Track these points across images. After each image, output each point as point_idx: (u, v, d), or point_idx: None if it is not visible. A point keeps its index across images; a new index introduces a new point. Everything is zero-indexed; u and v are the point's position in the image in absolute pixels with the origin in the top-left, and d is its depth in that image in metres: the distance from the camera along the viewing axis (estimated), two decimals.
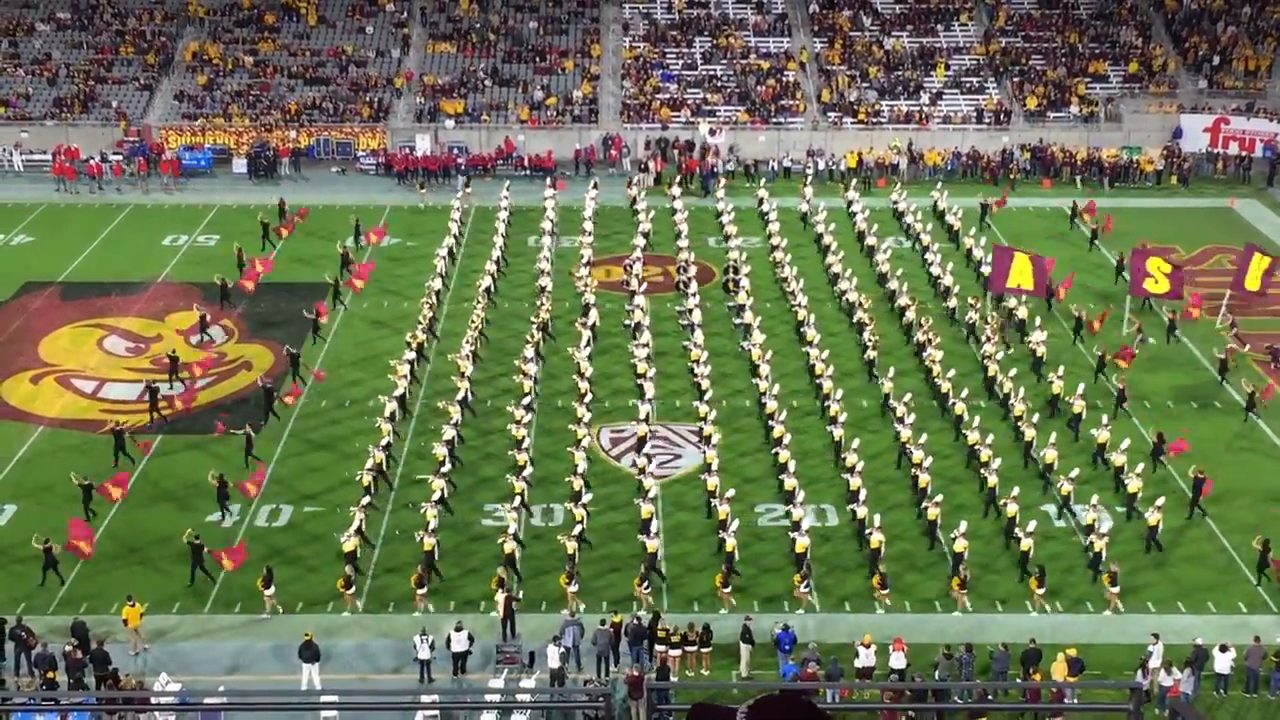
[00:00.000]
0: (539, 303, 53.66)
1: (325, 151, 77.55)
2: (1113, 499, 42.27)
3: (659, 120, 78.64)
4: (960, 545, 38.13)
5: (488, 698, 32.42)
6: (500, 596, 35.70)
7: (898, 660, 34.14)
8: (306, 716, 31.87)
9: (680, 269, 58.37)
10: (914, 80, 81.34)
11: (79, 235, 64.48)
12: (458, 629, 34.70)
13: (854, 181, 71.07)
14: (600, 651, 34.99)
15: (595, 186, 67.86)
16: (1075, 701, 31.47)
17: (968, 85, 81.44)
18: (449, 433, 43.66)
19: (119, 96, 79.51)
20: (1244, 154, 76.86)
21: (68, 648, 33.75)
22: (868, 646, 34.22)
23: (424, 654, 34.27)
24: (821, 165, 74.85)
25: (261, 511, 41.51)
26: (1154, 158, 75.81)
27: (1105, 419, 45.27)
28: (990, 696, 34.01)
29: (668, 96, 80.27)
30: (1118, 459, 42.75)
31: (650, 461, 42.88)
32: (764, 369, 48.21)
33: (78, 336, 53.40)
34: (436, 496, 40.36)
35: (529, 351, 49.23)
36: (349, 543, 37.99)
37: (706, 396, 46.39)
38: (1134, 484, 41.41)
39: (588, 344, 50.01)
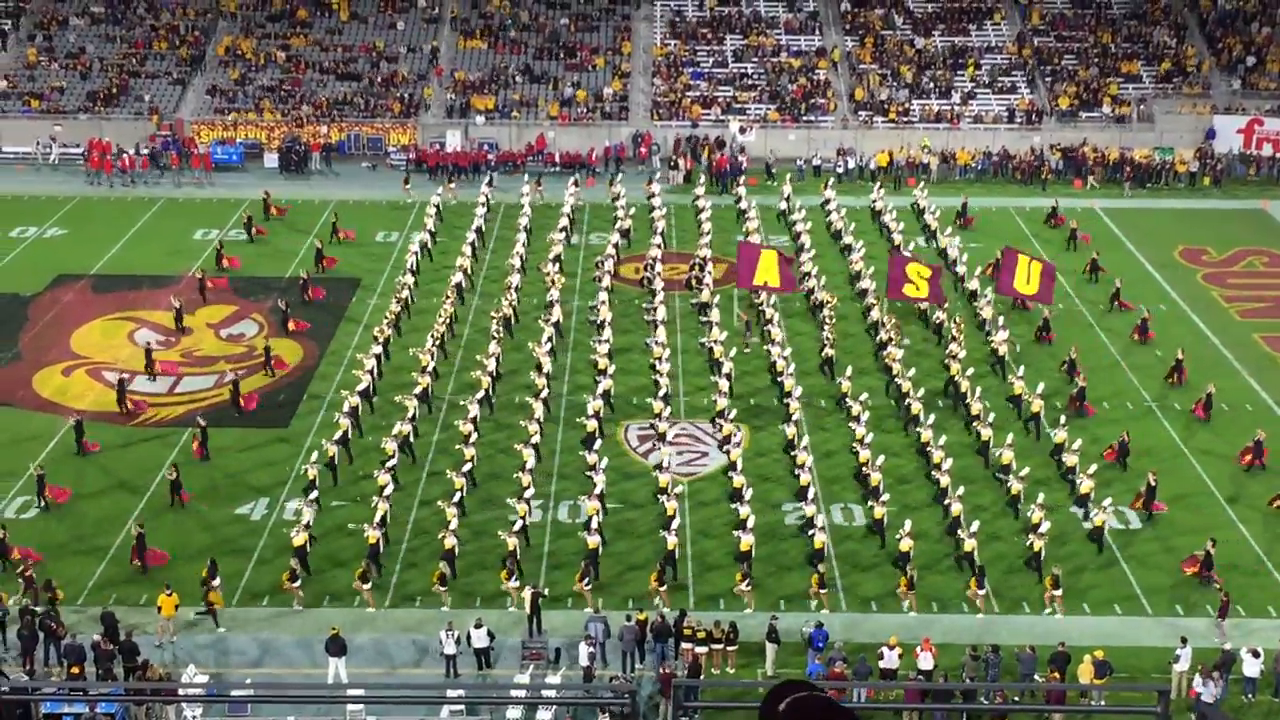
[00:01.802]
0: (549, 300, 53.47)
1: (356, 147, 77.76)
2: (1066, 499, 42.26)
3: (689, 118, 78.61)
4: (970, 545, 38.01)
5: (513, 693, 32.48)
6: (527, 592, 35.74)
7: (925, 661, 34.07)
8: (333, 710, 32.04)
9: (696, 266, 58.07)
10: (945, 79, 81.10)
11: (111, 229, 64.81)
12: (477, 625, 34.74)
13: (877, 182, 70.61)
14: (626, 648, 35.02)
15: (575, 184, 67.63)
16: (1102, 704, 31.33)
17: (1000, 85, 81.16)
18: (468, 429, 43.58)
19: (152, 90, 79.89)
20: (1278, 155, 76.39)
21: (96, 637, 33.93)
22: (893, 648, 34.15)
23: (450, 649, 34.33)
24: (852, 164, 74.68)
25: (287, 508, 41.61)
26: (1187, 159, 75.42)
27: (1062, 419, 45.18)
28: (1016, 698, 33.92)
29: (698, 94, 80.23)
30: (1070, 459, 42.61)
31: (668, 458, 42.80)
32: (726, 366, 48.07)
33: (109, 329, 53.67)
34: (457, 497, 40.26)
35: (493, 348, 49.18)
36: (371, 534, 38.03)
37: (723, 395, 46.36)
38: (1086, 484, 41.26)
39: (549, 340, 49.84)
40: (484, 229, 62.78)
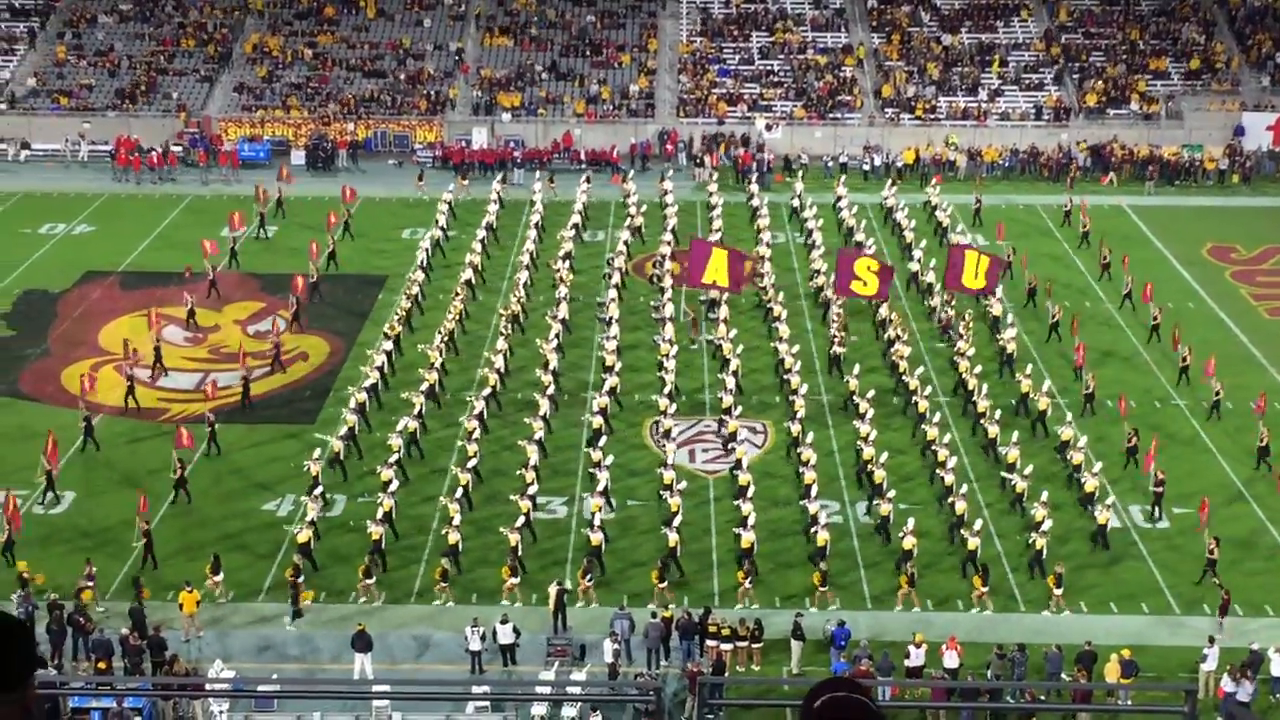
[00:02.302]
0: (557, 297, 53.51)
1: (383, 144, 77.94)
2: (1067, 496, 42.13)
3: (715, 115, 78.57)
4: (973, 543, 37.89)
5: (539, 689, 32.51)
6: (553, 589, 35.77)
7: (951, 659, 33.97)
8: (358, 705, 32.13)
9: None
10: (973, 76, 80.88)
11: (139, 225, 65.11)
12: (503, 621, 34.77)
13: (889, 181, 70.08)
14: (651, 645, 35.02)
15: (588, 180, 67.81)
16: (1129, 703, 31.21)
17: (1027, 82, 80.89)
18: (473, 425, 43.58)
19: (179, 88, 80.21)
20: None
21: (125, 632, 34.08)
22: (919, 645, 34.07)
23: (475, 645, 34.37)
24: (878, 161, 74.52)
25: (334, 501, 41.79)
26: (1216, 156, 75.05)
27: (1069, 416, 44.95)
28: (1042, 697, 33.80)
29: (724, 91, 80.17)
30: (1076, 457, 42.43)
31: (673, 455, 42.71)
32: (733, 363, 47.90)
33: (137, 325, 53.89)
34: (459, 493, 40.22)
35: (501, 344, 49.24)
36: (375, 531, 38.06)
37: (729, 392, 46.39)
38: (1090, 483, 41.09)
39: (556, 336, 49.93)
40: (495, 225, 62.83)
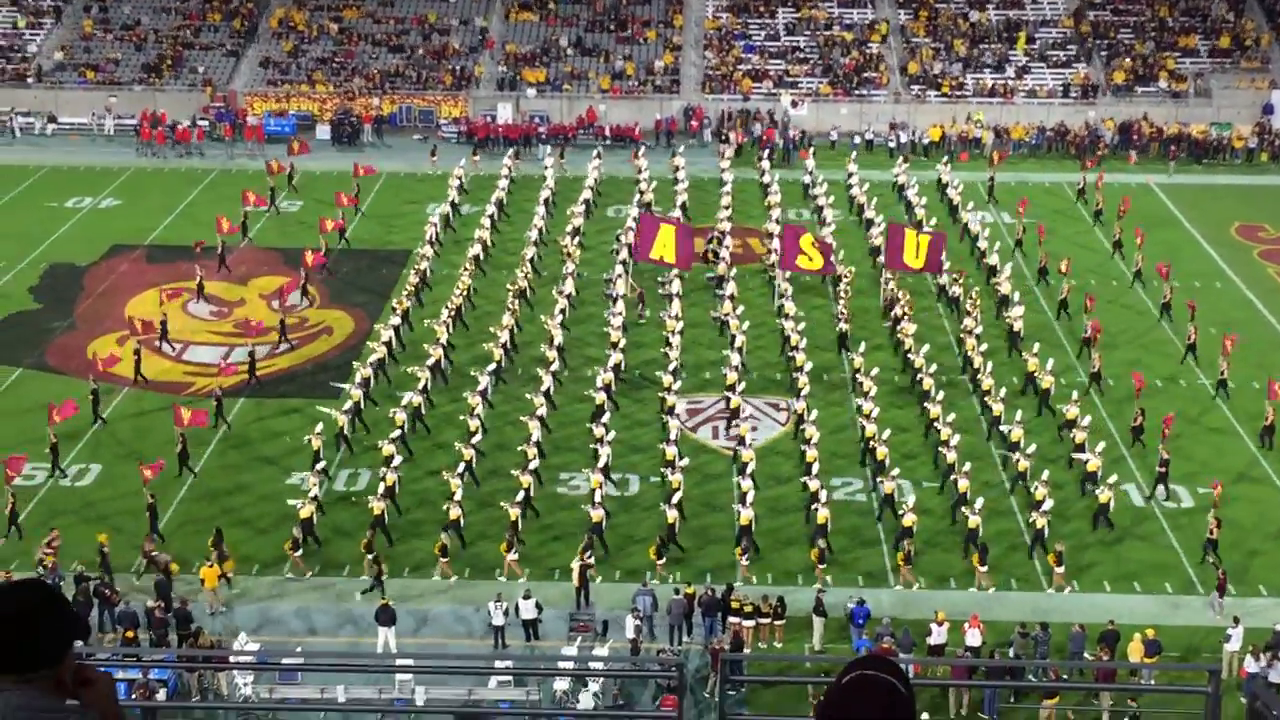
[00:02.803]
0: (564, 272, 53.52)
1: (408, 119, 77.94)
2: (1069, 476, 42.08)
3: (740, 91, 78.33)
4: (974, 521, 37.90)
5: (561, 665, 32.60)
6: (575, 564, 35.83)
7: (973, 638, 33.94)
8: (381, 679, 32.27)
9: (714, 239, 57.76)
10: (1000, 53, 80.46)
11: (165, 199, 65.29)
12: (526, 596, 34.87)
13: (900, 158, 69.80)
14: (673, 622, 35.07)
15: (599, 156, 67.80)
16: (1152, 683, 31.17)
17: (1054, 59, 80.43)
18: (475, 401, 43.50)
19: (205, 62, 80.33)
20: None
21: (151, 604, 34.28)
22: (941, 624, 34.04)
23: (498, 620, 34.47)
24: (904, 138, 74.23)
25: (340, 475, 41.92)
26: (1245, 134, 74.55)
27: (1075, 395, 44.83)
28: (1065, 676, 33.76)
29: (750, 68, 79.92)
30: (1079, 435, 42.30)
31: (676, 430, 42.61)
32: (739, 340, 47.97)
33: (159, 299, 54.05)
34: (461, 468, 40.16)
35: (506, 319, 49.24)
36: (376, 505, 38.14)
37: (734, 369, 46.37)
38: (1093, 462, 40.93)
39: (561, 312, 49.90)
40: (504, 201, 62.78)
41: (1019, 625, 34.20)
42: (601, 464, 40.35)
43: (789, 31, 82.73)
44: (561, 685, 32.53)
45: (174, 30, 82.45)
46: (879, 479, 40.42)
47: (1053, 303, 53.36)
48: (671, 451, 40.96)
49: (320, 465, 40.04)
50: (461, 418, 43.16)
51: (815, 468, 40.47)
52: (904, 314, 50.05)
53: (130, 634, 33.61)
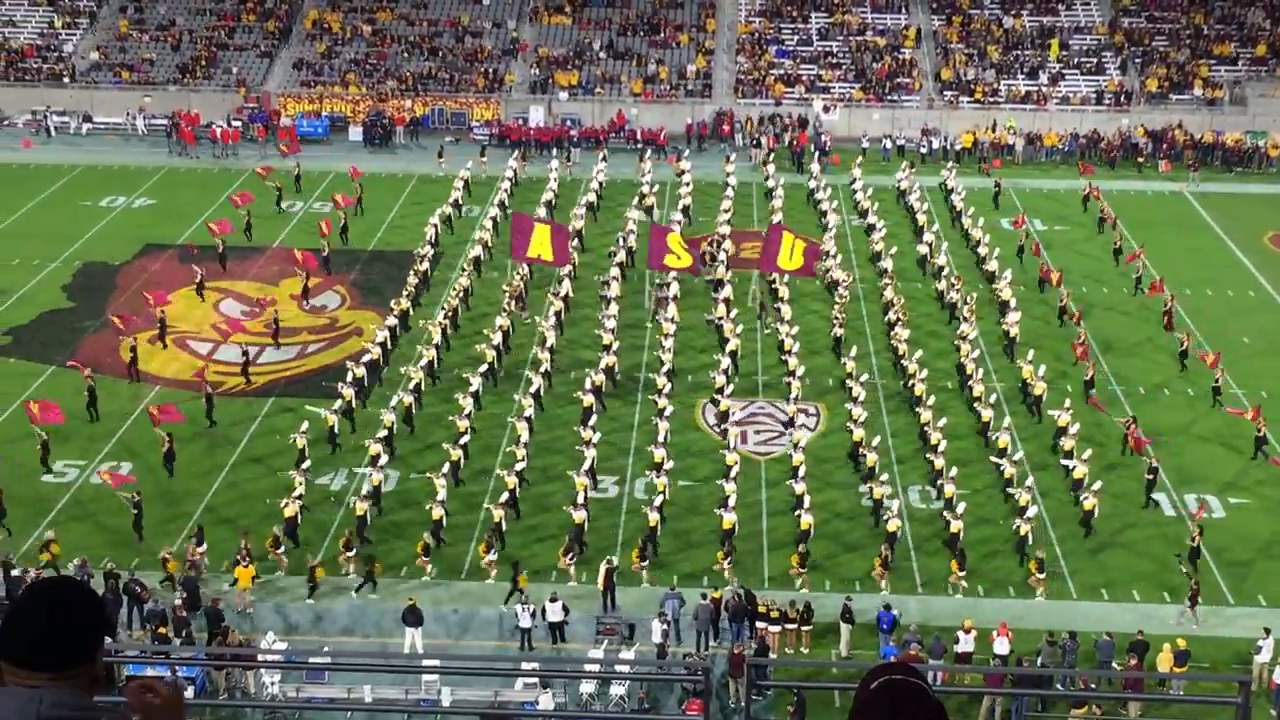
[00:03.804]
0: (560, 274, 53.55)
1: (440, 121, 78.14)
2: (1061, 483, 41.94)
3: (772, 96, 78.26)
4: (956, 526, 37.92)
5: (587, 668, 32.61)
6: (602, 568, 35.86)
7: (1002, 646, 33.82)
8: (407, 679, 32.35)
9: (713, 243, 57.64)
10: (1033, 60, 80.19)
11: (198, 199, 65.55)
12: (552, 599, 34.91)
13: (906, 164, 69.33)
14: (700, 627, 35.04)
15: (604, 159, 67.90)
16: (1181, 693, 30.99)
17: (1088, 66, 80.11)
18: (466, 403, 43.65)
19: (239, 63, 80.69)
20: None
21: (178, 602, 34.43)
22: (968, 631, 33.93)
23: (525, 622, 34.51)
24: (936, 144, 74.05)
25: (340, 473, 42.10)
26: (1279, 143, 74.08)
27: (1067, 402, 44.67)
28: (1093, 685, 33.60)
29: (782, 72, 79.83)
30: (1067, 443, 42.18)
31: (665, 433, 42.54)
32: (731, 343, 48.13)
33: (194, 298, 54.30)
34: (446, 468, 40.23)
35: (500, 320, 49.39)
36: (359, 506, 38.37)
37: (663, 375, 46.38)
38: (1079, 469, 40.76)
39: (555, 314, 50.08)
40: (507, 203, 62.90)
41: (1047, 634, 34.08)
42: (585, 466, 40.38)
43: (822, 36, 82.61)
44: (587, 688, 32.55)
45: (208, 31, 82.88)
46: (868, 484, 40.52)
47: (1050, 309, 53.30)
48: (659, 454, 41.03)
49: (305, 465, 40.21)
50: (452, 418, 43.24)
51: (801, 471, 40.40)
52: (898, 319, 50.04)
53: (162, 630, 33.75)
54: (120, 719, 5.26)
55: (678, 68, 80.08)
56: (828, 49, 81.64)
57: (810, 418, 46.02)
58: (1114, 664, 33.37)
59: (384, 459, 40.44)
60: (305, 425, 41.85)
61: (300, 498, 38.76)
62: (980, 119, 76.06)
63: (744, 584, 36.16)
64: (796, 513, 38.59)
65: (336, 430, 42.88)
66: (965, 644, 33.79)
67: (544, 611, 34.77)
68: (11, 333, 51.42)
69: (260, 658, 33.24)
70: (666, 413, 43.75)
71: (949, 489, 39.54)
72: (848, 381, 45.73)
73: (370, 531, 38.62)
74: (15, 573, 35.30)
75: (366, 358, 46.71)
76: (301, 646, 34.15)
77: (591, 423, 42.79)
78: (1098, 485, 40.11)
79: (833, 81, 79.32)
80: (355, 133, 76.09)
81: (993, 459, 42.09)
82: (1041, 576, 36.92)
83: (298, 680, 32.91)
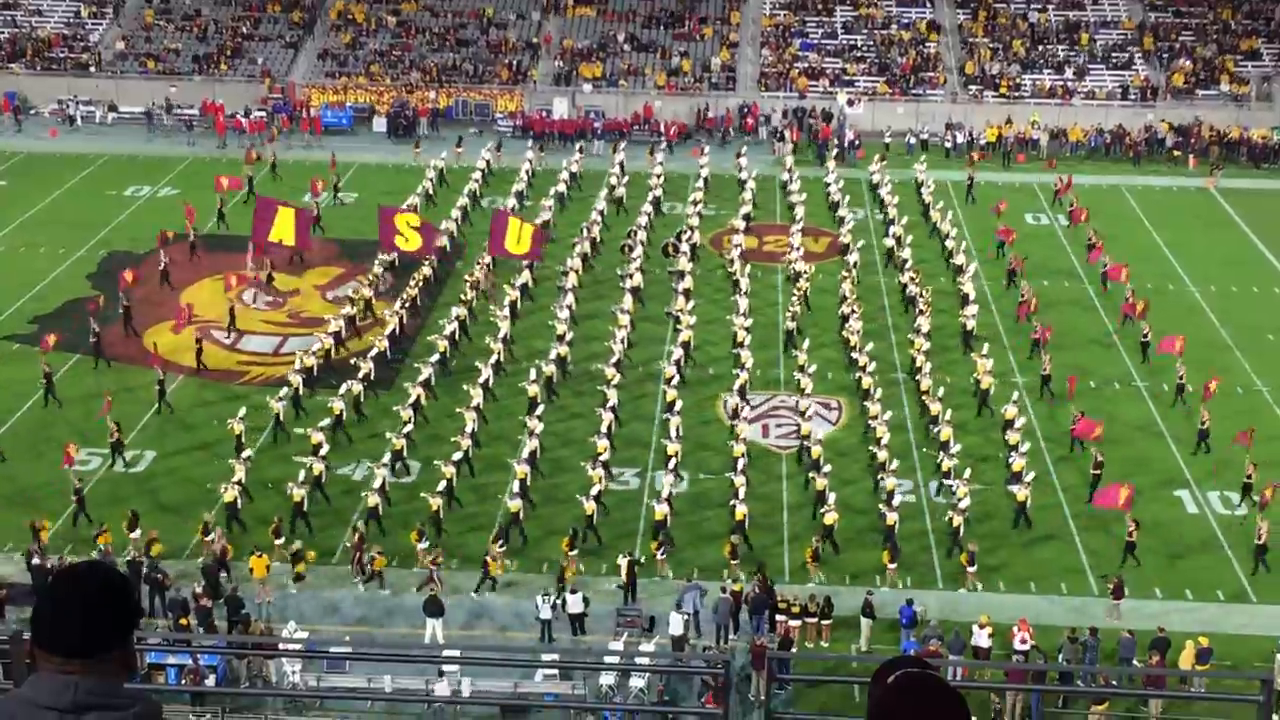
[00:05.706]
0: (520, 266, 53.67)
1: (463, 113, 78.20)
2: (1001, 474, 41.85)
3: (797, 89, 78.11)
4: (891, 519, 37.99)
5: (607, 659, 32.64)
6: (623, 560, 35.89)
7: (1022, 642, 33.71)
8: (428, 669, 32.38)
9: (678, 233, 57.78)
10: (1059, 54, 79.88)
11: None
12: (573, 591, 34.94)
13: (921, 155, 69.35)
14: (720, 620, 35.04)
15: (581, 152, 68.23)
16: (1203, 691, 30.88)
17: (1114, 61, 79.77)
18: (474, 397, 43.69)
19: (264, 54, 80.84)
20: None
21: (197, 589, 34.53)
22: (984, 627, 33.84)
23: (545, 614, 34.55)
24: (960, 139, 73.84)
25: (360, 465, 42.19)
26: None
27: (1015, 394, 44.63)
28: (1115, 682, 33.53)
29: (806, 65, 79.68)
30: (1012, 436, 42.14)
31: (605, 422, 42.61)
32: (684, 334, 48.26)
33: (218, 288, 54.44)
34: (457, 456, 40.47)
35: (504, 312, 49.65)
36: (372, 498, 38.57)
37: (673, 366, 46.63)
38: (1017, 462, 40.72)
39: (509, 304, 50.32)
40: (478, 193, 63.11)
41: (1068, 630, 33.97)
42: (525, 455, 40.59)
43: (846, 30, 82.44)
44: (607, 679, 32.58)
45: (234, 21, 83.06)
46: (812, 475, 40.53)
47: (1012, 304, 53.19)
48: (602, 444, 41.13)
49: (246, 454, 40.34)
50: (458, 410, 43.34)
51: (740, 464, 40.22)
52: (851, 312, 49.98)
53: (184, 620, 33.86)
54: (152, 706, 5.29)
55: (702, 60, 79.99)
56: (852, 42, 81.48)
57: (832, 411, 45.96)
58: (1135, 661, 33.27)
59: (325, 448, 40.82)
60: (243, 412, 42.19)
61: (240, 483, 38.95)
62: (1005, 113, 75.71)
63: (763, 576, 36.14)
64: (821, 509, 38.57)
65: (344, 419, 43.18)
66: (980, 639, 33.66)
67: (565, 603, 34.80)
68: (36, 320, 51.63)
69: (281, 647, 33.34)
70: (677, 407, 43.84)
71: (890, 483, 39.68)
72: (796, 374, 45.77)
73: (313, 519, 38.85)
74: (35, 561, 35.44)
75: (373, 352, 47.00)
76: (321, 637, 34.24)
77: (538, 412, 43.06)
78: (1030, 476, 40.14)
79: (857, 75, 79.14)
80: (379, 124, 76.20)
81: (934, 453, 42.30)
82: (973, 569, 36.99)
83: (318, 670, 33.00)
